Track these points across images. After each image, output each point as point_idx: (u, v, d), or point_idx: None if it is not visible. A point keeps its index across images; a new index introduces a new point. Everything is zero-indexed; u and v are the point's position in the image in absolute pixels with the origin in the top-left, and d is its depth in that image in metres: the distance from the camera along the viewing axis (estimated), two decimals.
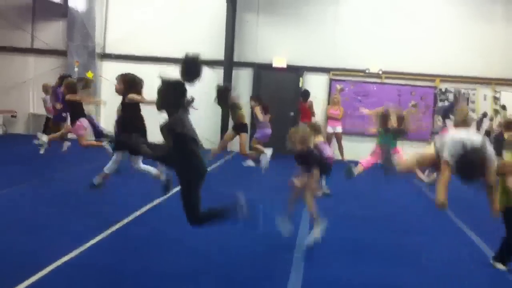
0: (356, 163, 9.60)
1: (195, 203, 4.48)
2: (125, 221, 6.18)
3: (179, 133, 4.40)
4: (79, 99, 9.50)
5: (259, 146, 10.59)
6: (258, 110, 10.61)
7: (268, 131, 10.69)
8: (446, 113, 12.43)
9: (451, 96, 13.81)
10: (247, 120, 11.33)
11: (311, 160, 5.65)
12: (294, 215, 5.99)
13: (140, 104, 7.02)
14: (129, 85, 6.90)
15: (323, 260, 5.31)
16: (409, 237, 6.48)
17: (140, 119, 6.98)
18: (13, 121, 15.03)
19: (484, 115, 13.64)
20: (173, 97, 4.51)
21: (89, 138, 9.99)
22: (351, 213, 7.49)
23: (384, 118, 9.33)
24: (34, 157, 10.61)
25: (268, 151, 10.39)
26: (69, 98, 9.33)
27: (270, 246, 5.63)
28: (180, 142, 4.43)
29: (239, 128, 10.48)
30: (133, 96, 6.85)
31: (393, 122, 9.27)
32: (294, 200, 5.85)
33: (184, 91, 4.56)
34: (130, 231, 5.96)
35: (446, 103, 13.67)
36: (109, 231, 5.78)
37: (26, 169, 9.59)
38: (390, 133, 9.16)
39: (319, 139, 6.94)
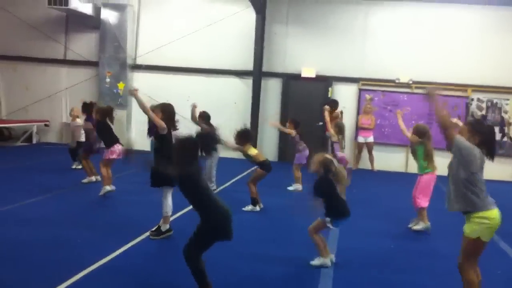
0: (385, 173, 9.49)
1: (199, 247, 4.36)
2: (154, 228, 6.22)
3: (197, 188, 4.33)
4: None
5: (299, 174, 10.04)
6: (296, 136, 10.08)
7: (307, 152, 9.95)
8: None
9: (483, 106, 13.60)
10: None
11: (319, 185, 5.44)
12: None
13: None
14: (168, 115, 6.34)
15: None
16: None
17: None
18: (46, 130, 15.35)
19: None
20: (188, 154, 4.36)
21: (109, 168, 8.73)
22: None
23: None
24: (66, 166, 10.80)
25: (300, 187, 10.01)
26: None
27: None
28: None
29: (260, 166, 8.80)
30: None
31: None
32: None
33: (197, 148, 4.44)
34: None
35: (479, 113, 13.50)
36: (139, 239, 5.88)
37: (58, 178, 9.77)
38: None
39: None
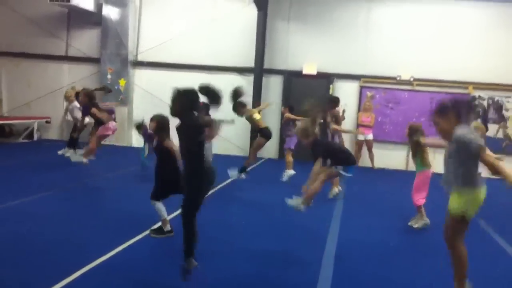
0: (386, 171, 9.50)
1: (192, 207, 4.64)
2: (155, 226, 6.25)
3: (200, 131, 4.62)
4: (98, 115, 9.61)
5: (290, 158, 10.26)
6: (293, 117, 10.40)
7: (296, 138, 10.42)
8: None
9: (484, 104, 13.59)
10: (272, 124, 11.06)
11: (316, 150, 5.92)
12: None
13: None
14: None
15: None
16: None
17: None
18: (47, 126, 15.38)
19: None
20: (187, 103, 4.66)
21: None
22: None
23: None
24: (67, 163, 10.82)
25: (292, 172, 10.18)
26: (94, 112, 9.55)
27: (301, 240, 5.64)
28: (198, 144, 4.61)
29: (260, 133, 9.82)
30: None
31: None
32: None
33: (197, 97, 4.74)
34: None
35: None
36: (140, 236, 5.92)
37: (59, 175, 9.79)
38: None
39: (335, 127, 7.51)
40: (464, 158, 4.25)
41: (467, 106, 4.44)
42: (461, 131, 4.21)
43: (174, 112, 4.69)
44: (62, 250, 5.33)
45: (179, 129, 4.68)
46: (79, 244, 5.58)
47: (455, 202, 4.35)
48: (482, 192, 4.35)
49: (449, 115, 4.31)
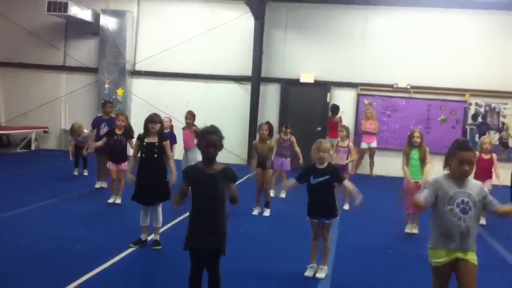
0: (386, 178, 9.47)
1: None
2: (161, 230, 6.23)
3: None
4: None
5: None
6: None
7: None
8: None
9: (482, 110, 13.63)
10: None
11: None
12: None
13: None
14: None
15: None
16: None
17: None
18: (45, 136, 15.36)
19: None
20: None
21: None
22: None
23: None
24: (65, 173, 10.81)
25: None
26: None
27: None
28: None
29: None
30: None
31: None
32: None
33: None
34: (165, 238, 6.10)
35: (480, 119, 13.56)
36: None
37: (56, 185, 9.79)
38: None
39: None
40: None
41: None
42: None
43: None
44: (57, 261, 5.31)
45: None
46: (78, 254, 5.57)
47: (474, 255, 3.74)
48: None
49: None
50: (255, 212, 8.19)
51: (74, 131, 10.57)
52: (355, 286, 5.18)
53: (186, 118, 9.50)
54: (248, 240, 6.52)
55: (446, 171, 3.81)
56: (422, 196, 3.72)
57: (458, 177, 3.71)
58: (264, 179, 8.16)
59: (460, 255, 3.67)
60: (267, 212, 8.18)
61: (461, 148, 3.70)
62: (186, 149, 9.43)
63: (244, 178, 9.94)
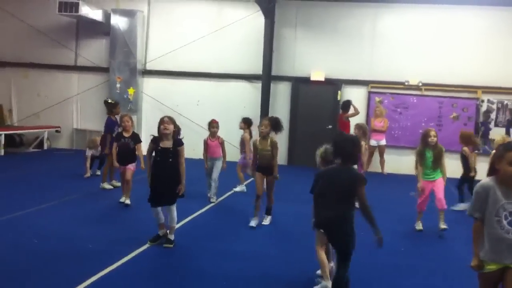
0: (397, 176, 9.41)
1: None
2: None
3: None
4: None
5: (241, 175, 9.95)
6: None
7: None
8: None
9: (494, 107, 13.52)
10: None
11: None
12: None
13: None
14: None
15: None
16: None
17: None
18: (57, 136, 15.46)
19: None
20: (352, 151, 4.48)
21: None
22: None
23: None
24: (77, 172, 10.87)
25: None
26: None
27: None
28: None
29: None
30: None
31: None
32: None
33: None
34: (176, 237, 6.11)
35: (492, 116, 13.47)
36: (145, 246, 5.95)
37: (68, 184, 9.85)
38: None
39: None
40: None
41: None
42: None
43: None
44: (69, 260, 5.35)
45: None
46: (88, 253, 5.60)
47: None
48: None
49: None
50: (253, 223, 7.15)
51: (94, 144, 10.59)
52: (369, 285, 5.15)
53: (212, 127, 8.87)
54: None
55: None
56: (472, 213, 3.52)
57: (509, 182, 3.41)
58: (266, 185, 7.30)
59: (510, 264, 3.43)
60: (267, 220, 7.39)
61: (510, 149, 3.39)
62: (213, 158, 8.89)
63: (249, 180, 9.98)
